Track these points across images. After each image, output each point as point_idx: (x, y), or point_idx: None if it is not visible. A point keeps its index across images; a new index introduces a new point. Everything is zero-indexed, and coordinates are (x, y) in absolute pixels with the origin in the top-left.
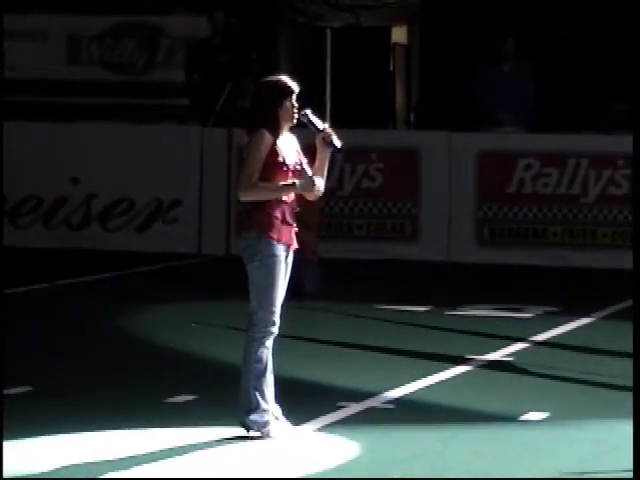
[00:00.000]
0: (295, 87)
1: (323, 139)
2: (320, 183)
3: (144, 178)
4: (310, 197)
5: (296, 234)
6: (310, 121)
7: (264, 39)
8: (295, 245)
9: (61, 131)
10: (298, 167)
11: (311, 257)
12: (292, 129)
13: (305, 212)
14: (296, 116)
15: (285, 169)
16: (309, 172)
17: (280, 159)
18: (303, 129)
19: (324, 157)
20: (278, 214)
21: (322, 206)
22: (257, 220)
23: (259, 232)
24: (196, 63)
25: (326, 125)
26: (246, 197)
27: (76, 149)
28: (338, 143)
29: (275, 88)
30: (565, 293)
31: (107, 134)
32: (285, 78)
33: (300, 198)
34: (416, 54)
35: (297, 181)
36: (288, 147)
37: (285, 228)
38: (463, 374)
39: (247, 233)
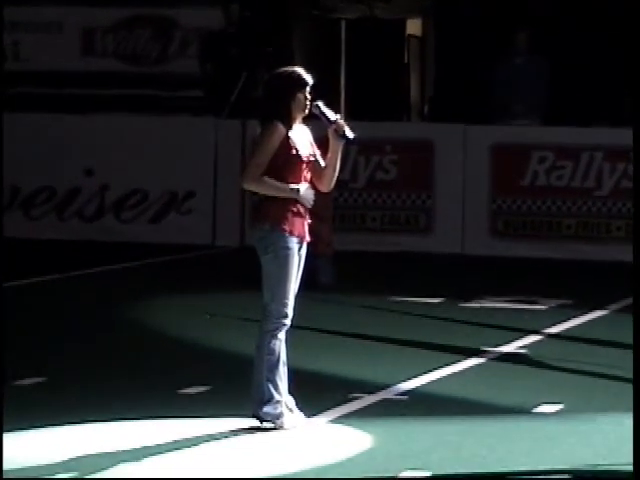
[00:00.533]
0: (309, 79)
1: (335, 130)
2: (311, 196)
3: (158, 169)
4: (323, 189)
5: (309, 226)
6: (322, 112)
7: (279, 31)
8: (308, 238)
9: (75, 122)
10: (312, 158)
11: (325, 249)
12: (305, 121)
13: (318, 204)
14: (308, 108)
15: (299, 161)
16: (322, 163)
17: (294, 151)
18: (316, 121)
19: (336, 148)
20: (292, 207)
21: (334, 197)
22: (271, 212)
23: (272, 224)
24: (210, 55)
25: (338, 116)
26: (248, 187)
27: (90, 140)
28: (350, 134)
29: (289, 80)
30: (579, 286)
31: (121, 125)
32: (299, 70)
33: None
34: (431, 46)
35: (301, 188)
36: (301, 138)
37: (298, 220)
38: (476, 366)
39: (261, 225)
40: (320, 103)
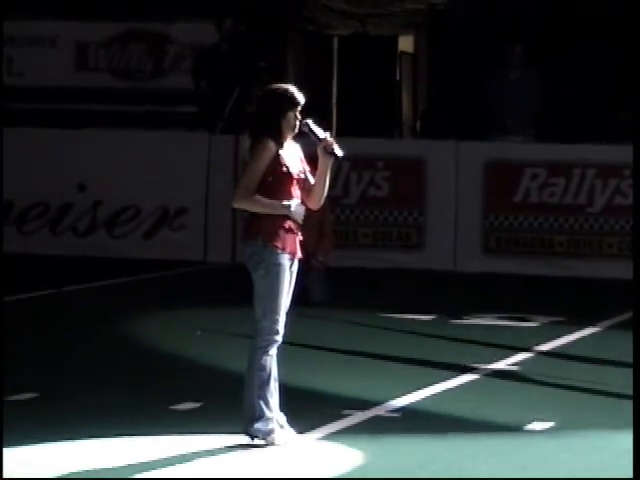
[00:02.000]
0: (301, 99)
1: (324, 148)
2: (302, 212)
3: (151, 185)
4: (312, 206)
5: (301, 243)
6: (311, 130)
7: (272, 46)
8: (300, 254)
9: (68, 137)
10: (302, 175)
11: (318, 265)
12: (295, 137)
13: (318, 219)
14: (297, 126)
15: (289, 178)
16: (312, 181)
17: (284, 168)
18: (306, 137)
19: (325, 166)
20: (283, 223)
21: (327, 210)
22: (262, 228)
23: (264, 240)
24: (204, 70)
25: (327, 134)
26: (239, 205)
27: (83, 156)
28: (339, 152)
29: (282, 98)
30: (570, 303)
31: (114, 141)
32: (293, 89)
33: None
34: (423, 63)
35: (293, 204)
36: (292, 155)
37: (290, 237)
38: (468, 383)
39: (252, 241)
40: (309, 121)
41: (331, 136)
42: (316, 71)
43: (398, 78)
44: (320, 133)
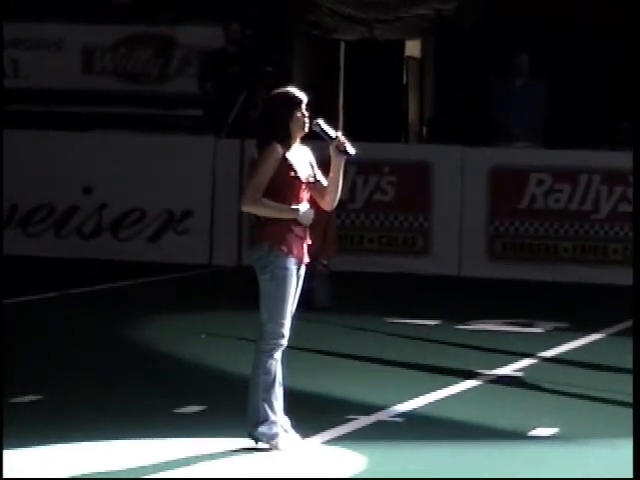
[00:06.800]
0: (303, 97)
1: (336, 147)
2: (311, 215)
3: (156, 188)
4: (327, 207)
5: (308, 248)
6: (322, 130)
7: (278, 51)
8: (307, 259)
9: (74, 140)
10: (311, 179)
11: (322, 270)
12: (305, 141)
13: (322, 224)
14: (308, 125)
15: (298, 182)
16: (324, 183)
17: (292, 173)
18: (317, 140)
19: (338, 165)
20: (291, 227)
21: (332, 214)
22: (270, 232)
23: (271, 244)
24: (210, 74)
25: (339, 133)
26: (248, 209)
27: (89, 158)
28: (352, 150)
29: (284, 100)
30: (575, 309)
31: (120, 144)
32: (292, 89)
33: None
34: (429, 68)
35: (302, 208)
36: (300, 159)
37: (298, 241)
38: (472, 389)
39: (260, 245)
40: (320, 120)
41: (342, 135)
42: (323, 76)
43: (405, 83)
44: (331, 132)
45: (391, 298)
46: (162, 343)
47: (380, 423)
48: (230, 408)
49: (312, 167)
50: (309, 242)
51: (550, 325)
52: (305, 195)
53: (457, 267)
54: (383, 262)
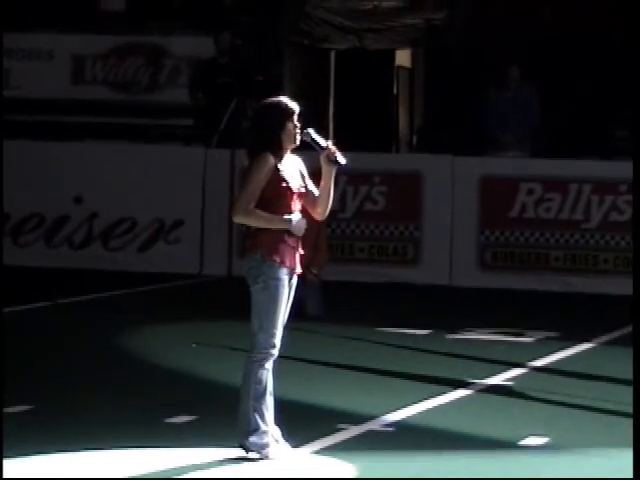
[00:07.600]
0: (295, 107)
1: (327, 156)
2: (303, 225)
3: (147, 198)
4: (318, 217)
5: (300, 258)
6: (313, 139)
7: (269, 60)
8: (299, 269)
9: (65, 150)
10: (302, 190)
11: (313, 279)
12: (297, 151)
13: (314, 234)
14: (299, 136)
15: (289, 192)
16: (316, 192)
17: (283, 183)
18: (308, 151)
19: (329, 175)
20: (283, 237)
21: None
22: (262, 242)
23: (263, 254)
24: (200, 83)
25: (329, 142)
26: (239, 220)
27: (79, 168)
28: (342, 160)
29: (276, 111)
30: (566, 318)
31: (110, 153)
32: (285, 99)
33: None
34: (420, 77)
35: (294, 218)
36: (292, 170)
37: (290, 251)
38: (463, 398)
39: (252, 255)
40: (311, 130)
41: (332, 145)
42: (313, 85)
43: (395, 93)
44: (322, 142)
45: (382, 308)
46: (152, 353)
47: (370, 433)
48: (221, 418)
49: (303, 177)
50: (301, 252)
51: (541, 334)
52: (297, 205)
53: (448, 276)
54: (374, 272)
